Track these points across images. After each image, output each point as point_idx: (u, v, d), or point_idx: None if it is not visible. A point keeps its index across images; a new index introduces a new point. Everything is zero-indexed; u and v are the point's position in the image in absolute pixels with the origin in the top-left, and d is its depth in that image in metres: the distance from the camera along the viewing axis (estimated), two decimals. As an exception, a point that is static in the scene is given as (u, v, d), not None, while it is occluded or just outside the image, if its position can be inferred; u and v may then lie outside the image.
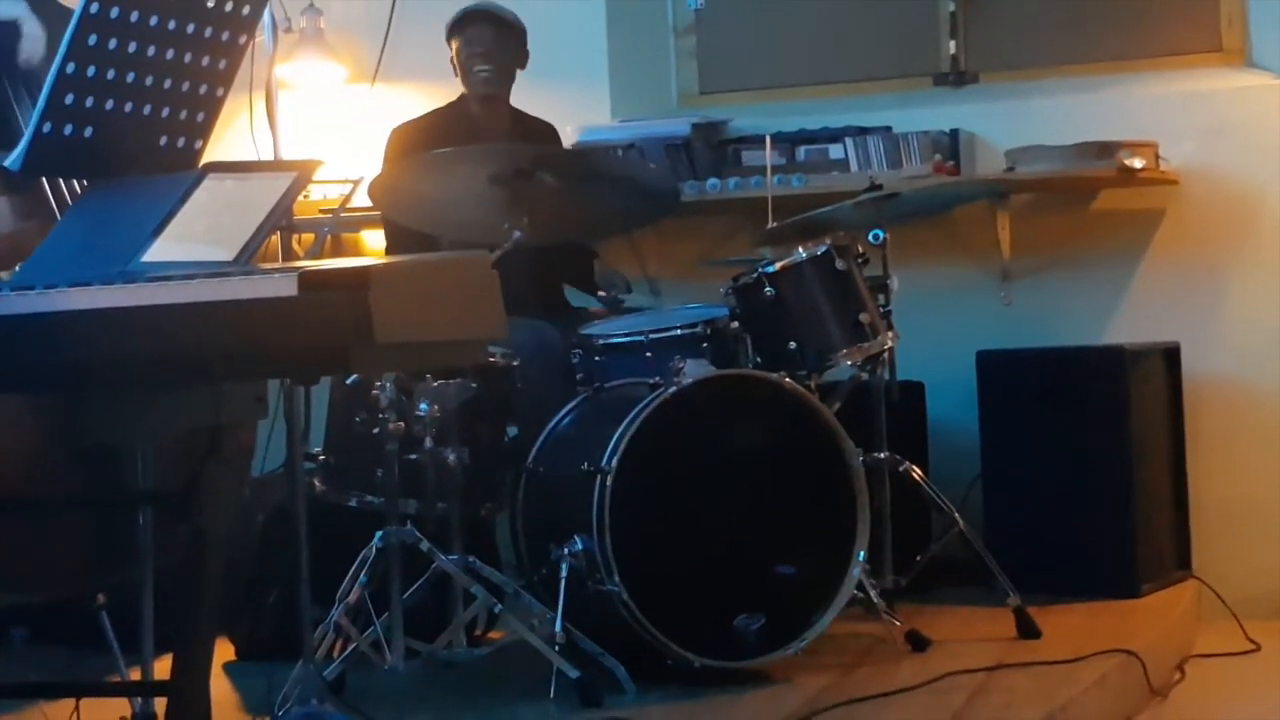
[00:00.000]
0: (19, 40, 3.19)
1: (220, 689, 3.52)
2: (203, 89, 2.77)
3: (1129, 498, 4.46)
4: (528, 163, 3.78)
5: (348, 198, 4.28)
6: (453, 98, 4.63)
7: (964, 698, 3.40)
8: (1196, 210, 4.88)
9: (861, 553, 3.65)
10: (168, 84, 2.71)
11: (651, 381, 3.69)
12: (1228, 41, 5.04)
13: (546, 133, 4.67)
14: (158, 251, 2.43)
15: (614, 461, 3.52)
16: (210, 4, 2.72)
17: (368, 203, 4.03)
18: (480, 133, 4.44)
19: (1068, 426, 4.51)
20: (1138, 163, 4.67)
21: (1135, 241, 4.93)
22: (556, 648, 3.48)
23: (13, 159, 2.68)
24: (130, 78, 2.66)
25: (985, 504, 4.57)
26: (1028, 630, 3.95)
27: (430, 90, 5.10)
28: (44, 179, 3.17)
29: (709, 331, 3.85)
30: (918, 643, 3.83)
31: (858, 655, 3.78)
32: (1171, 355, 4.74)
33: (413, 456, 3.66)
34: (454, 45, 4.53)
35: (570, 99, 5.00)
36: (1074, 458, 4.50)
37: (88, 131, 2.64)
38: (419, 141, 4.37)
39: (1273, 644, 4.31)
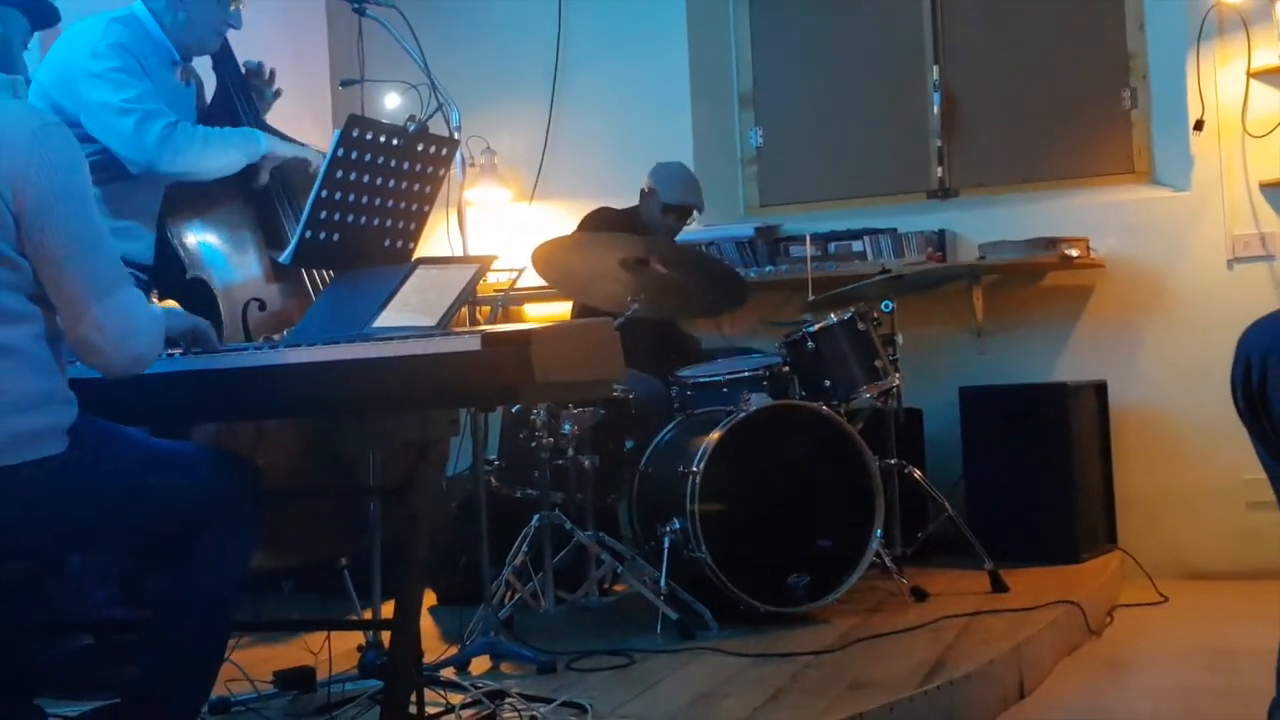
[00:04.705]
0: (306, 172, 3.24)
1: (426, 625, 3.54)
2: (414, 207, 2.81)
3: (1071, 491, 4.39)
4: (643, 252, 3.80)
5: (513, 282, 4.30)
6: (583, 208, 4.57)
7: (953, 634, 3.37)
8: (1117, 286, 4.82)
9: (878, 530, 3.63)
10: (390, 204, 2.76)
11: (728, 409, 3.69)
12: (1138, 165, 4.97)
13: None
14: (384, 319, 2.45)
15: (701, 465, 3.53)
16: (420, 149, 2.77)
17: (529, 284, 4.04)
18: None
19: (1026, 440, 4.44)
20: (1074, 252, 4.64)
21: (1073, 308, 4.87)
22: (662, 597, 3.49)
23: (284, 256, 2.72)
24: (365, 199, 2.70)
25: (967, 496, 4.50)
26: (999, 586, 3.90)
27: (570, 206, 5.14)
28: (304, 270, 3.25)
29: (768, 374, 3.84)
30: (919, 595, 3.79)
31: (876, 603, 3.75)
32: (1100, 389, 4.67)
33: (559, 462, 3.69)
34: (659, 201, 4.36)
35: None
36: (1031, 462, 4.42)
37: (336, 237, 2.69)
38: (606, 222, 4.31)
39: (1178, 597, 4.23)
